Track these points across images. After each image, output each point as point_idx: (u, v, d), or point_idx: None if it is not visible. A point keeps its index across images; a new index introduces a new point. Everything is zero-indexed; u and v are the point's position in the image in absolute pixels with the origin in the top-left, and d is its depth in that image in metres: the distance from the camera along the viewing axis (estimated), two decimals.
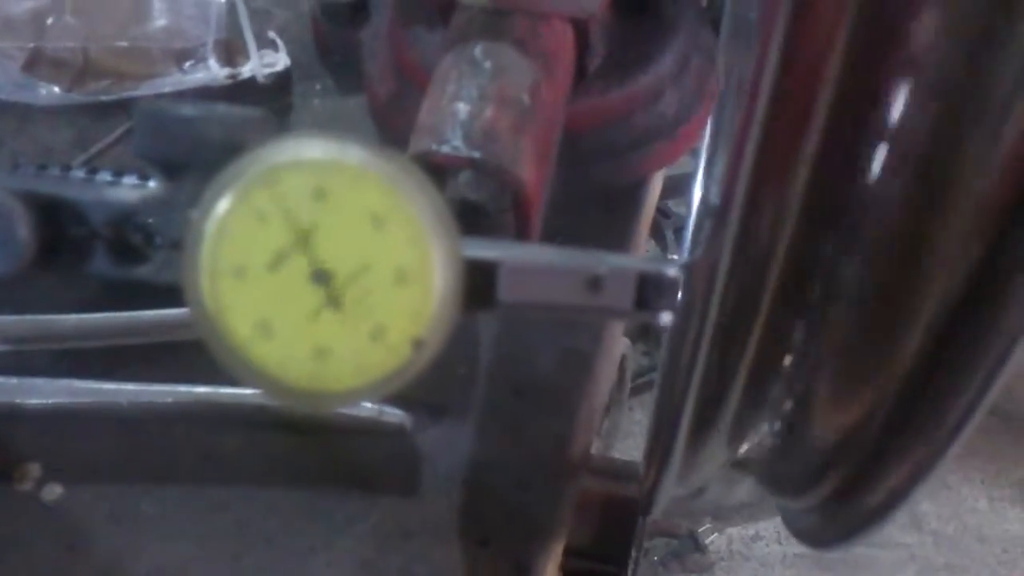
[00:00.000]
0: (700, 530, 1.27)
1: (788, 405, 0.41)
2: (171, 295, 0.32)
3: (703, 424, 0.41)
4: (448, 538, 0.51)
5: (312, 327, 0.31)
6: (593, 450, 1.04)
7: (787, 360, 0.39)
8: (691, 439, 0.41)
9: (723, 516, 1.24)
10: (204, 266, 0.31)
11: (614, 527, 0.97)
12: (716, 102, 0.29)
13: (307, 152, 0.31)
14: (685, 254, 0.34)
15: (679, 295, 0.32)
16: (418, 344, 0.31)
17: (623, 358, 1.06)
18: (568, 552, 0.94)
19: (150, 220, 0.33)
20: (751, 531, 1.23)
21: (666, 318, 0.32)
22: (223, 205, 0.31)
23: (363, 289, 0.31)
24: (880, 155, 0.32)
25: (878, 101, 0.31)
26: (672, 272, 0.32)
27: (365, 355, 0.31)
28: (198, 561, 0.49)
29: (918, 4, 0.30)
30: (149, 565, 0.49)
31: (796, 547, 1.23)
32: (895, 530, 1.30)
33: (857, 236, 0.34)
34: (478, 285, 0.32)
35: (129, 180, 0.41)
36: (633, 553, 0.97)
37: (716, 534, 1.27)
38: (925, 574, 1.28)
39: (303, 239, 0.31)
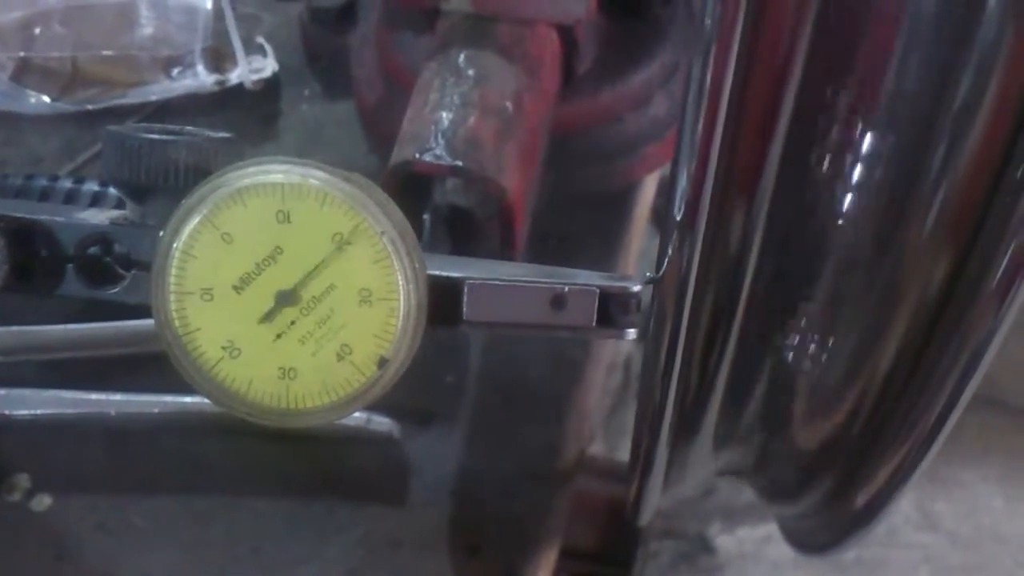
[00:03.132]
0: (709, 531, 1.26)
1: (769, 413, 0.40)
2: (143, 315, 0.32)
3: (685, 433, 0.41)
4: (437, 547, 0.51)
5: (279, 347, 0.31)
6: (597, 451, 1.04)
7: (766, 368, 0.38)
8: (674, 448, 0.41)
9: (733, 517, 1.24)
10: (172, 288, 0.31)
11: (618, 529, 0.97)
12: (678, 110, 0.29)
13: (271, 175, 0.31)
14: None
15: (643, 311, 0.32)
16: (383, 363, 0.31)
17: (628, 359, 1.06)
18: (573, 555, 0.94)
19: (120, 243, 0.33)
20: (762, 532, 1.22)
21: (631, 335, 0.32)
22: (190, 227, 0.31)
23: (328, 309, 0.31)
24: (845, 163, 0.32)
25: (837, 110, 0.31)
26: (635, 288, 0.32)
27: (331, 374, 0.31)
28: (186, 570, 0.49)
29: (874, 17, 0.29)
30: (137, 574, 0.49)
31: None
32: (909, 530, 1.29)
33: (827, 244, 0.33)
34: (443, 303, 0.32)
35: (112, 192, 0.41)
36: (638, 555, 0.97)
37: (726, 535, 1.26)
38: (940, 574, 1.27)
39: (269, 261, 0.31)
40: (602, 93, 0.58)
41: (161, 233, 0.31)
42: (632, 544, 0.96)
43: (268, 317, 0.31)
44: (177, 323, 0.31)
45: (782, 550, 1.22)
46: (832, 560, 1.22)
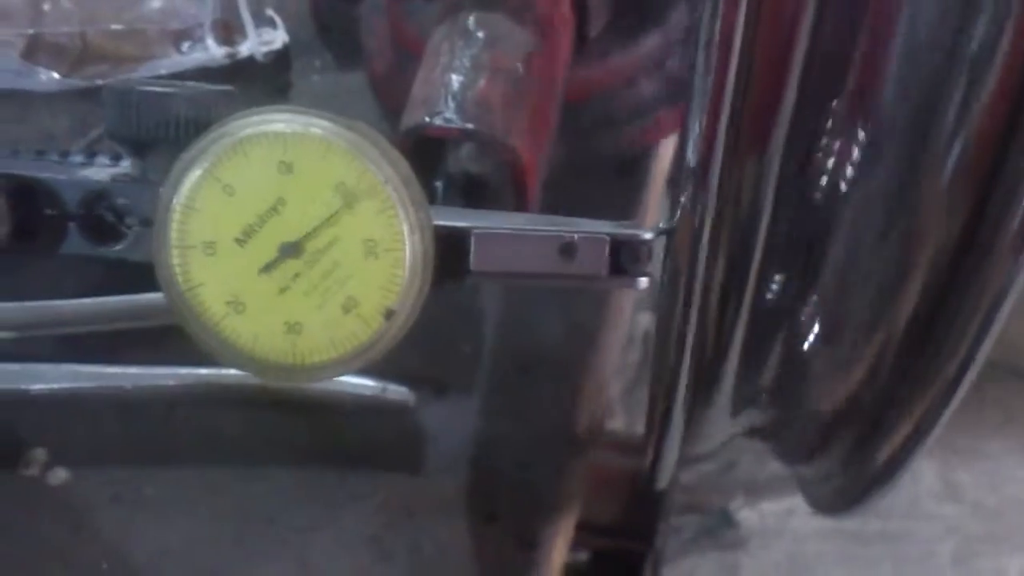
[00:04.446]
0: (732, 506, 1.25)
1: (787, 372, 0.40)
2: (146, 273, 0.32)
3: (702, 392, 0.40)
4: (454, 515, 0.51)
5: (283, 301, 0.31)
6: (619, 426, 1.04)
7: (783, 325, 0.38)
8: (691, 407, 0.40)
9: (756, 491, 1.23)
10: (174, 242, 0.31)
11: (640, 503, 0.96)
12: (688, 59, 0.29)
13: (272, 125, 0.30)
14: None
15: (655, 260, 0.31)
16: (390, 314, 0.31)
17: (646, 334, 1.05)
18: (594, 530, 0.94)
19: (122, 199, 0.32)
20: (785, 506, 1.21)
21: (643, 283, 0.32)
22: (191, 180, 0.30)
23: (333, 261, 0.31)
24: (859, 112, 0.31)
25: (852, 58, 0.30)
26: (647, 236, 0.31)
27: (337, 328, 0.31)
28: (202, 541, 0.49)
29: None
30: (153, 546, 0.49)
31: (831, 522, 1.22)
32: (933, 502, 1.28)
33: (842, 196, 0.33)
34: (450, 254, 0.31)
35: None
36: (660, 529, 0.96)
37: (748, 510, 1.25)
38: (965, 546, 1.25)
39: (271, 212, 0.31)
40: (615, 56, 0.58)
41: (161, 187, 0.31)
42: (654, 518, 0.96)
43: (271, 269, 0.31)
44: (180, 278, 0.31)
45: (805, 523, 1.22)
46: (855, 533, 1.22)
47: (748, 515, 1.22)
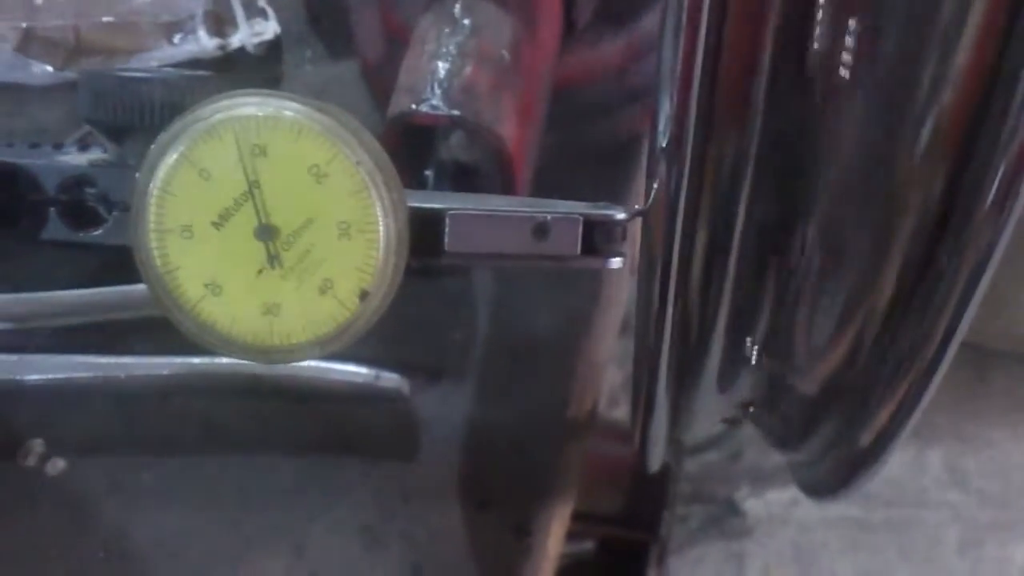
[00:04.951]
0: (737, 495, 1.25)
1: (771, 352, 0.40)
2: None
3: (689, 374, 0.40)
4: (448, 502, 0.51)
5: (260, 283, 0.31)
6: (621, 415, 1.04)
7: (766, 304, 0.38)
8: (676, 390, 0.40)
9: (761, 480, 1.23)
10: (151, 226, 0.31)
11: (644, 493, 0.96)
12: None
13: (244, 109, 0.30)
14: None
15: (628, 239, 0.31)
16: (365, 296, 0.31)
17: None
18: (599, 520, 0.94)
19: (100, 184, 0.33)
20: (790, 495, 1.21)
21: (616, 263, 0.32)
22: (166, 165, 0.31)
23: (309, 243, 0.31)
24: (834, 83, 0.31)
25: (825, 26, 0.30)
26: (620, 216, 0.31)
27: (314, 309, 0.31)
28: (199, 530, 0.49)
29: None
30: (151, 534, 0.49)
31: (836, 510, 1.22)
32: (938, 489, 1.28)
33: (821, 169, 0.33)
34: (424, 235, 0.32)
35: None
36: (664, 518, 0.97)
37: (754, 499, 1.25)
38: (970, 533, 1.25)
39: (246, 196, 0.31)
40: (605, 43, 0.58)
41: (138, 172, 0.31)
42: (658, 508, 0.96)
43: (248, 253, 0.31)
44: (159, 262, 0.31)
45: (810, 512, 1.22)
46: (860, 521, 1.21)
47: (754, 504, 1.21)
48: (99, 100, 0.31)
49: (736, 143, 0.32)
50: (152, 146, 0.31)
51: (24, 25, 0.59)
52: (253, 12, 0.61)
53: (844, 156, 0.33)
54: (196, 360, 0.52)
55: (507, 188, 0.49)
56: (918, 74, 0.30)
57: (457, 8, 0.50)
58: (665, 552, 0.94)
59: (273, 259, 0.31)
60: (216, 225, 0.31)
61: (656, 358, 0.38)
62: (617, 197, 0.59)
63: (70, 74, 0.58)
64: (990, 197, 0.31)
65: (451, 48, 0.48)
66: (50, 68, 0.58)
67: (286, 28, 0.63)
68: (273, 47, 0.61)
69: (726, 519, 1.23)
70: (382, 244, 0.31)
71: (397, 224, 0.31)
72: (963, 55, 0.29)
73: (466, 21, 0.49)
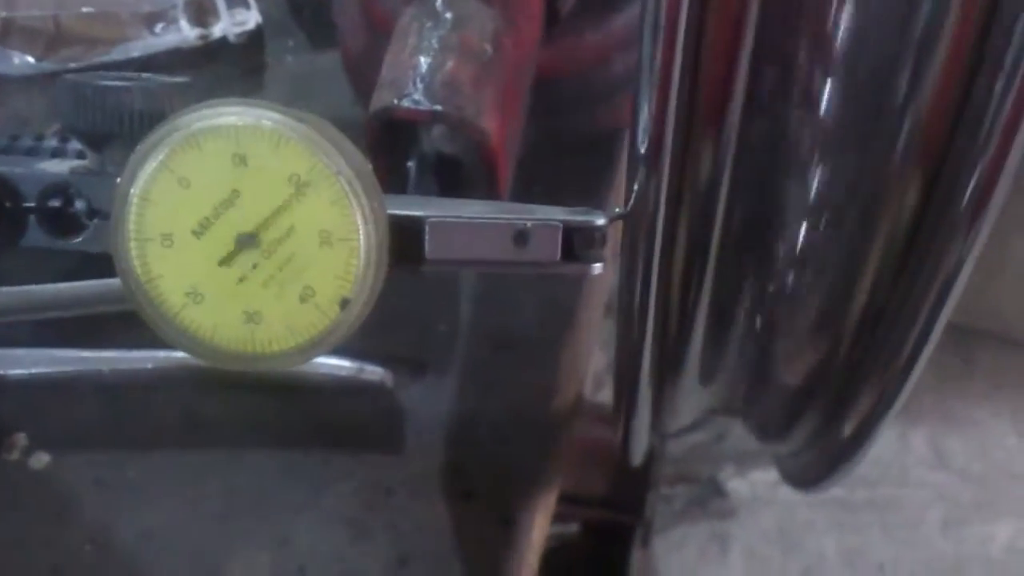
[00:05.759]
0: (722, 476, 1.26)
1: (752, 348, 0.40)
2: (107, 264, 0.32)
3: (670, 370, 0.41)
4: (432, 493, 0.51)
5: (242, 291, 0.31)
6: (606, 398, 1.04)
7: (745, 303, 0.38)
8: (659, 385, 0.41)
9: (745, 461, 1.24)
10: (132, 235, 0.31)
11: (628, 475, 0.97)
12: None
13: (224, 118, 0.30)
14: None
15: (608, 245, 0.32)
16: (346, 303, 0.31)
17: None
18: (583, 502, 0.95)
19: (80, 191, 0.33)
20: (774, 475, 1.22)
21: (596, 269, 0.32)
22: (146, 173, 0.31)
23: (289, 252, 0.31)
24: (811, 92, 0.31)
25: (801, 38, 0.30)
26: (600, 222, 0.31)
27: (295, 317, 0.31)
28: (185, 523, 0.49)
29: None
30: (137, 529, 0.49)
31: None
32: (921, 469, 1.29)
33: (799, 174, 0.33)
34: (405, 243, 0.32)
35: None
36: (649, 499, 0.97)
37: (738, 479, 1.26)
38: (953, 513, 1.26)
39: (226, 204, 0.31)
40: (588, 35, 0.57)
41: (118, 180, 0.31)
42: (642, 489, 0.97)
43: (228, 260, 0.31)
44: (139, 270, 0.31)
45: (794, 493, 1.23)
46: (843, 502, 1.22)
47: (738, 485, 1.22)
48: (79, 107, 0.31)
49: (715, 147, 0.32)
50: (132, 154, 0.31)
51: (4, 15, 0.58)
52: (235, 2, 0.61)
53: (821, 164, 0.33)
54: (179, 354, 0.51)
55: (490, 181, 0.49)
56: (893, 90, 0.30)
57: (439, 2, 0.50)
58: (650, 533, 0.95)
59: (255, 267, 0.31)
60: (196, 234, 0.31)
61: (639, 356, 0.38)
62: (599, 187, 0.59)
63: (50, 65, 0.58)
64: (962, 206, 0.31)
65: (433, 42, 0.48)
66: (30, 59, 0.58)
67: (268, 18, 0.62)
68: (255, 37, 0.61)
69: (710, 500, 1.24)
70: (362, 252, 0.31)
71: (378, 232, 0.31)
72: (937, 68, 0.29)
73: (448, 15, 0.49)
